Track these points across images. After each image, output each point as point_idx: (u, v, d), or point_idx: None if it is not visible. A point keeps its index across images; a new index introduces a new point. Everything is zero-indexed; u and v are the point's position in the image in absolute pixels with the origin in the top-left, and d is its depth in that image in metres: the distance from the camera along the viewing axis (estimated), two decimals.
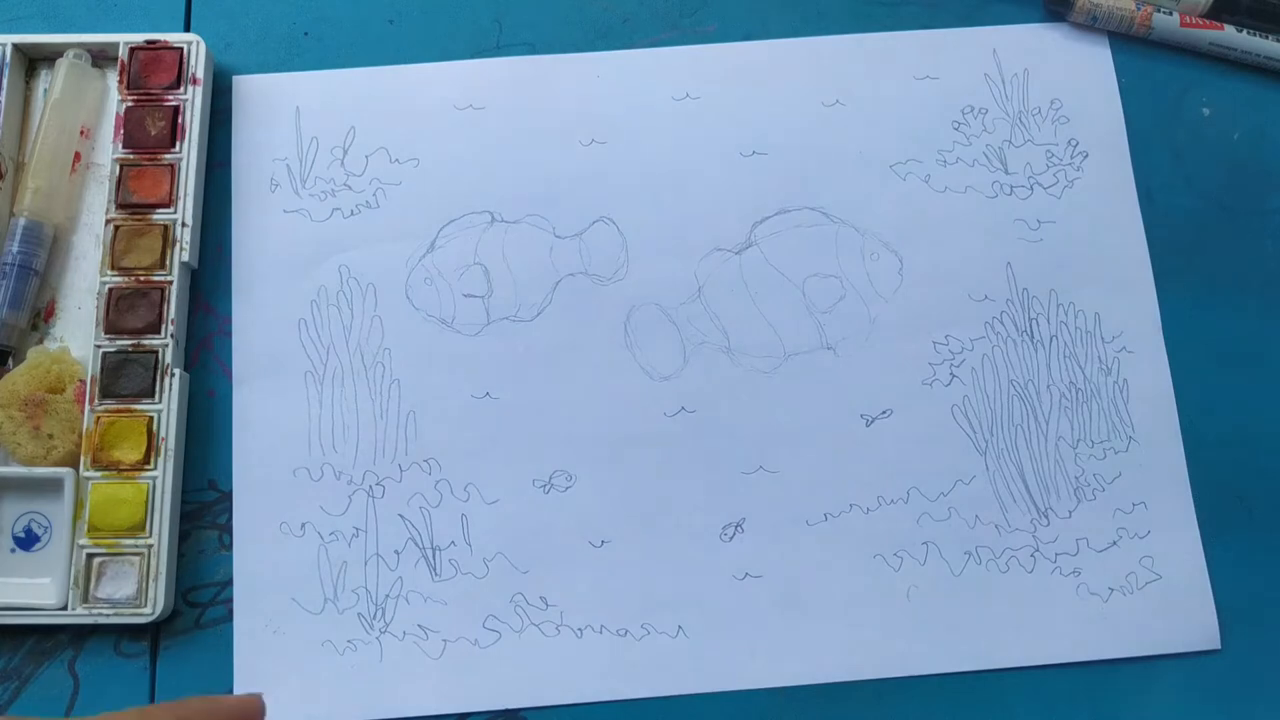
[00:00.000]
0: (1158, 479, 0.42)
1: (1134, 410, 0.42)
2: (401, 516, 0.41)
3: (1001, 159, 0.44)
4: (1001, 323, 0.43)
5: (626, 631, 0.40)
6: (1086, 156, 0.44)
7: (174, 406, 0.40)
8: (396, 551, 0.41)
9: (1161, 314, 0.43)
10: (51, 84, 0.42)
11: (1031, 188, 0.44)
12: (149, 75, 0.43)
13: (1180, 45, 0.45)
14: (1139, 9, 0.45)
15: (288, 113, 0.44)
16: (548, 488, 0.41)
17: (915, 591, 0.40)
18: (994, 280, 0.43)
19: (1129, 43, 0.45)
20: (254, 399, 0.42)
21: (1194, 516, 0.41)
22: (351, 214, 0.43)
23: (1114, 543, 0.41)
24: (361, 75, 0.44)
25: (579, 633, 0.40)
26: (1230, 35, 0.45)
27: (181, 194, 0.42)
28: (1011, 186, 0.44)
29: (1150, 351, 0.43)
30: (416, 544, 0.41)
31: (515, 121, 0.44)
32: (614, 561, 0.41)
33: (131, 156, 0.42)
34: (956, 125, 0.45)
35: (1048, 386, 0.42)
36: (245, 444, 0.41)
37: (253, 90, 0.44)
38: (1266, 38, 0.45)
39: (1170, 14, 0.45)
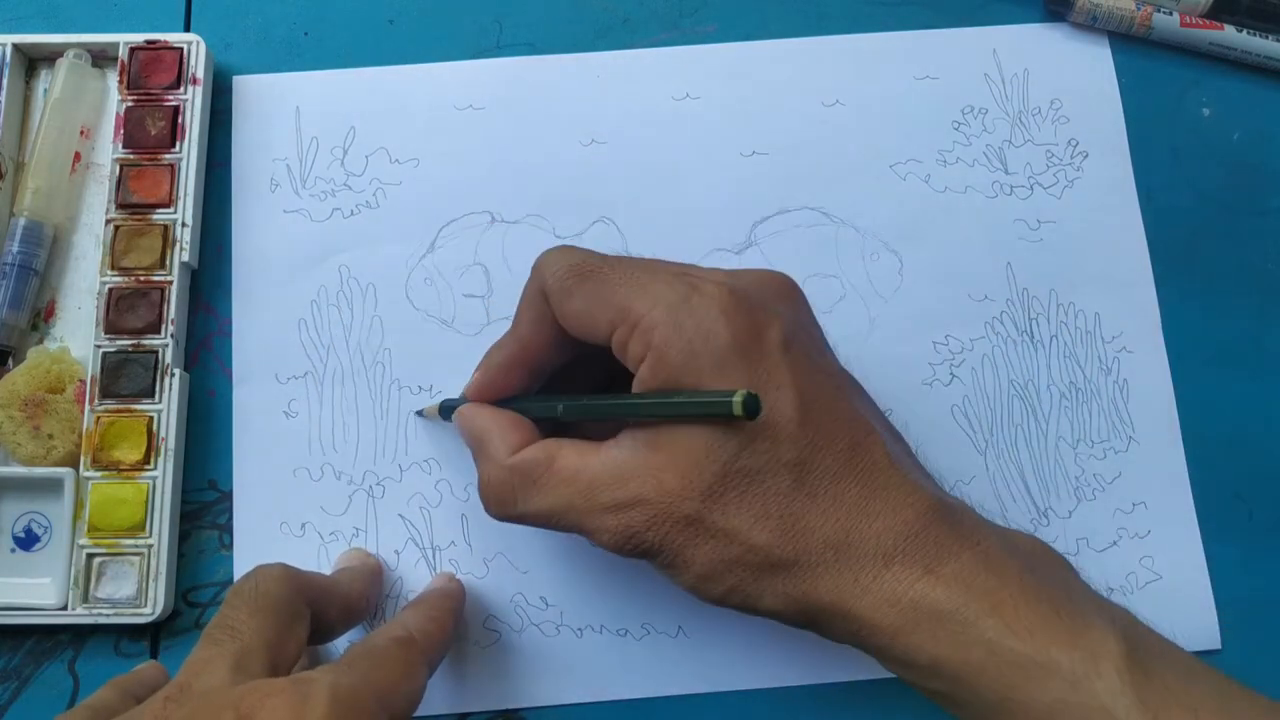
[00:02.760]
0: (1158, 479, 0.42)
1: (1134, 410, 0.42)
2: (401, 516, 0.41)
3: (1001, 159, 0.44)
4: (1001, 323, 0.43)
5: (626, 631, 0.40)
6: (1086, 156, 0.44)
7: (174, 406, 0.40)
8: (396, 551, 0.41)
9: (1161, 314, 0.43)
10: (51, 84, 0.42)
11: (1031, 188, 0.44)
12: (149, 75, 0.43)
13: (1180, 45, 0.45)
14: (1139, 9, 0.45)
15: (288, 113, 0.44)
16: None
17: None
18: (994, 280, 0.43)
19: (1129, 43, 0.45)
20: (254, 399, 0.42)
21: (1194, 516, 0.41)
22: (351, 214, 0.43)
23: (1114, 543, 0.41)
24: (361, 75, 0.44)
25: (579, 633, 0.40)
26: (1230, 35, 0.45)
27: (181, 194, 0.41)
28: (1011, 186, 0.44)
29: (1150, 351, 0.43)
30: (416, 544, 0.41)
31: (515, 121, 0.44)
32: (614, 561, 0.40)
33: (131, 156, 0.42)
34: (956, 125, 0.45)
35: (1048, 386, 0.42)
36: (245, 444, 0.41)
37: (253, 90, 0.44)
38: (1266, 38, 0.45)
39: (1170, 14, 0.45)
